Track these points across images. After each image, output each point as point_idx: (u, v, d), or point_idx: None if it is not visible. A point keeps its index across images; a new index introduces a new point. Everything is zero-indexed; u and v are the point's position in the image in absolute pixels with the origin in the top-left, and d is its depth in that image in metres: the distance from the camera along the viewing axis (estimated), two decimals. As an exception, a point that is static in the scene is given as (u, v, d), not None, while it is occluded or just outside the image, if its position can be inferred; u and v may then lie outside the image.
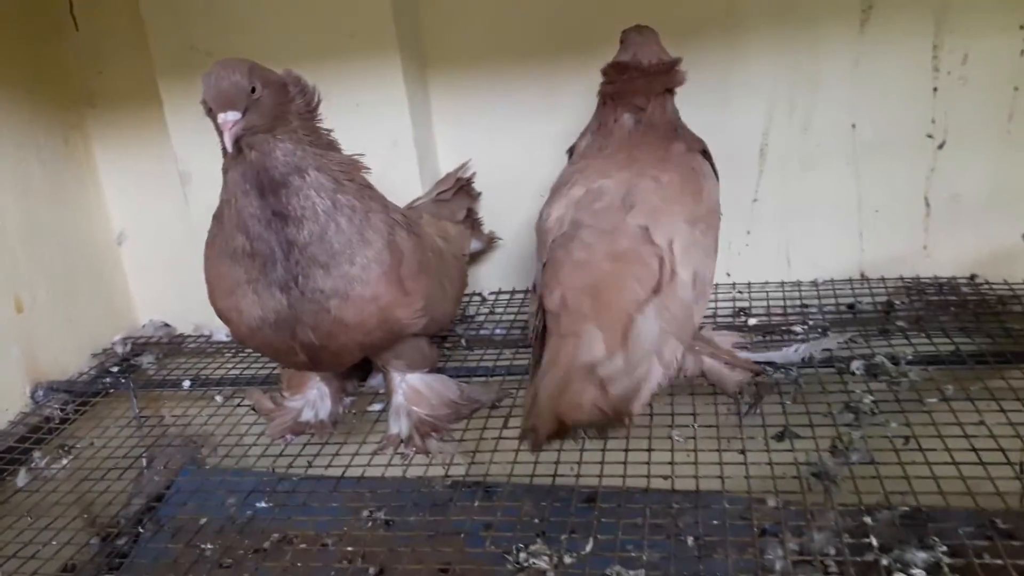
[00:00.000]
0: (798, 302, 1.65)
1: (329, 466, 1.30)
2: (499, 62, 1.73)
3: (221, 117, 1.08)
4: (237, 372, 1.67)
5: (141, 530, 1.26)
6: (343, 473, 1.27)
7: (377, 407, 1.46)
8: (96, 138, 1.93)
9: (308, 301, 1.17)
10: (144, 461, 1.42)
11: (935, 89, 1.60)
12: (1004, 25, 1.54)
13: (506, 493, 1.18)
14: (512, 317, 1.76)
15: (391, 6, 1.62)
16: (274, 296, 1.18)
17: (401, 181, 1.70)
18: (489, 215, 1.85)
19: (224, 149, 1.12)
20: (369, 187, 1.28)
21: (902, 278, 1.69)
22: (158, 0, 1.69)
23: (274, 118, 1.13)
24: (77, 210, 1.87)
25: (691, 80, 1.66)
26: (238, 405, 1.54)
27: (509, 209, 1.82)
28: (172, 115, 1.76)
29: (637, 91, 1.34)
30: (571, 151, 1.43)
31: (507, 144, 1.79)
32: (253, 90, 1.09)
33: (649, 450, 1.19)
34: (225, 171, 1.19)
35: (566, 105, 1.70)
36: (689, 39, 1.65)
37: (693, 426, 1.26)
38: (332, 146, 1.24)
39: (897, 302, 1.60)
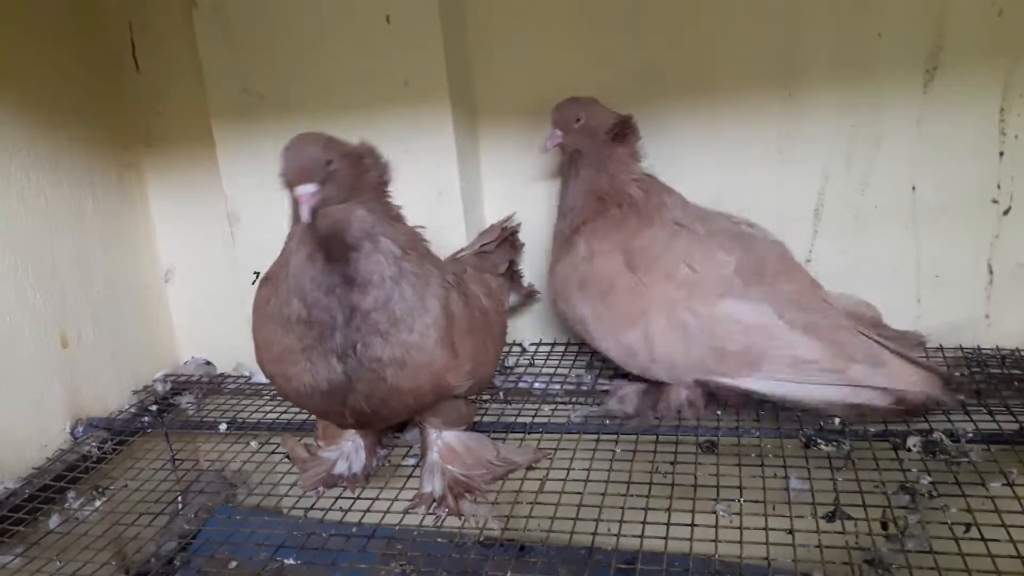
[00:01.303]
0: (851, 368, 1.58)
1: (360, 523, 1.27)
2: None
3: (298, 190, 1.09)
4: (275, 416, 1.66)
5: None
6: (374, 532, 1.24)
7: (411, 461, 1.43)
8: (150, 177, 1.96)
9: (365, 370, 1.16)
10: (179, 506, 1.41)
11: (1001, 153, 1.55)
12: (1077, 89, 1.49)
13: (542, 557, 1.15)
14: (552, 370, 1.72)
15: (444, 56, 1.62)
16: (330, 364, 1.17)
17: (445, 231, 1.69)
18: (531, 268, 1.83)
19: (296, 218, 1.14)
20: (429, 254, 1.28)
21: (961, 348, 1.62)
22: (217, 44, 1.72)
23: (350, 189, 1.15)
24: (127, 247, 1.89)
25: (746, 135, 1.65)
26: (273, 452, 1.52)
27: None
28: (224, 156, 1.78)
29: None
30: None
31: (554, 198, 1.77)
32: (329, 162, 1.11)
33: (692, 524, 1.14)
34: (291, 237, 1.19)
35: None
36: (744, 92, 1.63)
37: (739, 500, 1.20)
38: (399, 219, 1.24)
39: (956, 373, 1.53)
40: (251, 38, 1.70)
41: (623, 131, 1.52)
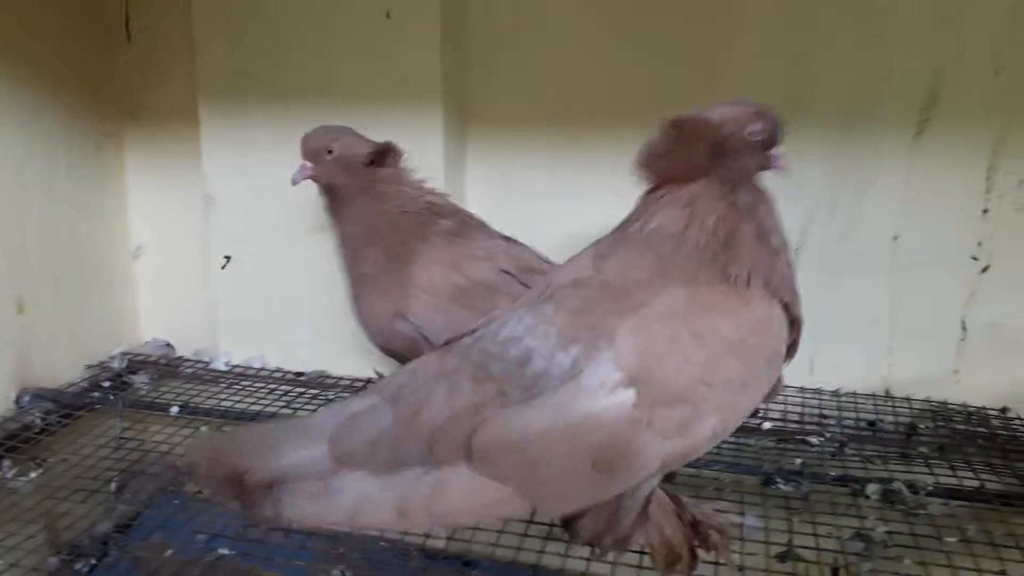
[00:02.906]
0: (817, 411, 1.57)
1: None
2: (542, 130, 1.70)
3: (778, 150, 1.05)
4: (229, 404, 1.61)
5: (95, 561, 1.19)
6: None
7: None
8: (130, 150, 1.92)
9: None
10: (115, 486, 1.35)
11: (985, 211, 1.55)
12: (1068, 155, 1.50)
13: (487, 572, 1.12)
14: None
15: (440, 57, 1.60)
16: None
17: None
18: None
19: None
20: None
21: (929, 401, 1.61)
22: (213, 21, 1.69)
23: None
24: (98, 219, 1.85)
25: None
26: (223, 439, 1.48)
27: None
28: (208, 136, 1.75)
29: None
30: None
31: (540, 217, 1.70)
32: None
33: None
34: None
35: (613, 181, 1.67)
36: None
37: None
38: None
39: (921, 426, 1.52)
40: (250, 20, 1.67)
41: (382, 158, 1.38)
